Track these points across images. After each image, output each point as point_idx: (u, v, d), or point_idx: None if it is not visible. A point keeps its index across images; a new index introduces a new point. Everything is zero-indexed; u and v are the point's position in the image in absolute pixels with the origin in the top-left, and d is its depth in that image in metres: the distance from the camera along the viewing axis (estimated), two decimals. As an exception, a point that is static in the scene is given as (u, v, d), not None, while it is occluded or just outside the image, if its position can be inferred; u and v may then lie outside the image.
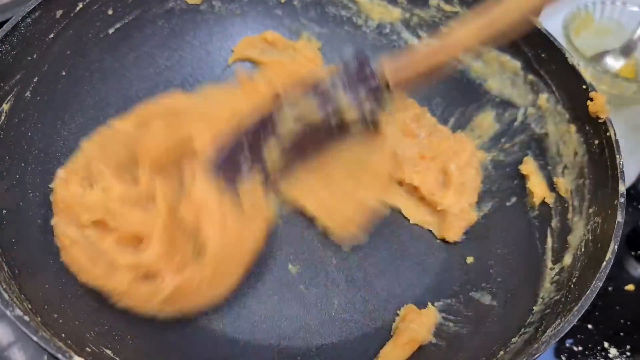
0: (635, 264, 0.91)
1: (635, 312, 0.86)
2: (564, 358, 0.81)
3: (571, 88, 0.80)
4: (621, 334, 0.84)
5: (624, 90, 1.00)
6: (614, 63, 1.07)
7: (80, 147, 0.76)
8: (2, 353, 0.75)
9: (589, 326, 0.84)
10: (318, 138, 0.74)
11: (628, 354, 0.82)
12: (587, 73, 0.98)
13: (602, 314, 0.85)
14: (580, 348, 0.82)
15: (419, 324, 0.70)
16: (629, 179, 0.96)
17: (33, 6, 0.75)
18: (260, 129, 0.73)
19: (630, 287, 0.88)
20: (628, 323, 0.85)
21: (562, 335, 0.59)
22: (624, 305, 0.86)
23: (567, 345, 0.82)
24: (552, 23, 0.98)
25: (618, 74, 1.01)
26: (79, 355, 0.54)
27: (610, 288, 0.87)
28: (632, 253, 0.92)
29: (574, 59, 0.80)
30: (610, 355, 0.81)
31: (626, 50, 1.06)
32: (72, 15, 0.80)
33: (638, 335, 0.83)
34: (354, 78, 0.71)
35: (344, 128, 0.73)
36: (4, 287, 0.58)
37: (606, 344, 0.82)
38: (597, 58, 1.08)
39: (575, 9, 1.07)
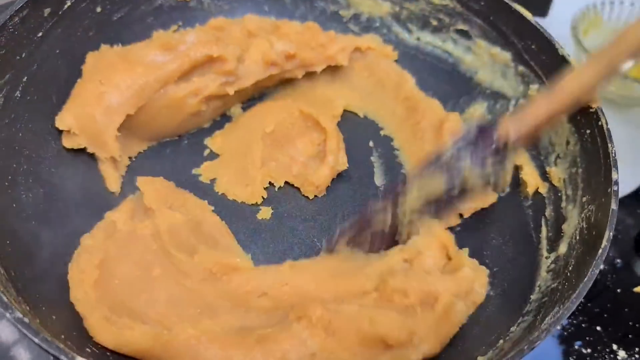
0: (644, 266, 0.91)
1: (644, 314, 0.86)
2: (572, 360, 0.82)
3: (562, 78, 0.80)
4: (630, 336, 0.84)
5: (632, 91, 1.00)
6: (623, 64, 1.07)
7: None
8: (8, 352, 0.74)
9: (598, 328, 0.84)
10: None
11: (637, 356, 0.82)
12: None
13: (610, 316, 0.85)
14: (589, 350, 0.82)
15: (479, 285, 0.71)
16: (639, 179, 0.97)
17: (21, 5, 0.74)
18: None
19: (638, 288, 0.88)
20: (637, 325, 0.85)
21: (561, 322, 0.60)
22: (632, 307, 0.86)
23: (576, 347, 0.82)
24: (560, 23, 0.99)
25: (627, 75, 1.02)
26: (81, 356, 0.53)
27: (618, 290, 0.88)
28: (641, 255, 0.92)
29: (564, 50, 0.80)
30: (619, 358, 0.82)
31: (635, 51, 1.07)
32: (60, 13, 0.79)
33: (647, 337, 0.83)
34: (478, 145, 0.70)
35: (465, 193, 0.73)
36: (2, 289, 0.57)
37: (615, 346, 0.83)
38: (606, 59, 1.08)
39: (585, 9, 1.07)
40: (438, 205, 0.74)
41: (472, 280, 0.70)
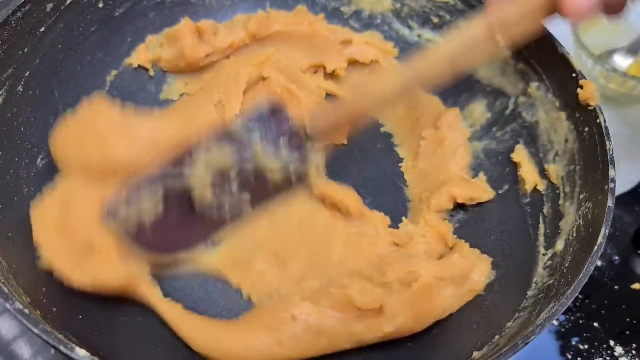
0: (641, 263, 0.92)
1: (641, 311, 0.86)
2: (569, 356, 0.82)
3: (561, 76, 0.80)
4: (627, 332, 0.84)
5: (632, 89, 1.00)
6: (622, 61, 1.07)
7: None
8: (8, 347, 0.75)
9: (595, 324, 0.84)
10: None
11: (634, 352, 0.82)
12: (595, 71, 0.99)
13: (608, 313, 0.85)
14: (586, 346, 0.83)
15: (478, 273, 0.72)
16: (636, 177, 0.97)
17: (23, 0, 0.74)
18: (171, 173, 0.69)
19: (636, 285, 0.88)
20: (634, 322, 0.85)
21: (555, 317, 0.61)
22: (630, 304, 0.87)
23: (573, 343, 0.83)
24: (561, 20, 0.99)
25: (626, 72, 1.02)
26: (81, 347, 0.54)
27: (616, 287, 0.88)
28: (638, 252, 0.92)
29: (563, 48, 0.80)
30: (616, 354, 0.82)
31: (634, 49, 1.07)
32: (62, 8, 0.80)
33: (644, 334, 0.84)
34: (270, 121, 0.69)
35: (262, 179, 0.69)
36: (3, 280, 0.58)
37: (612, 343, 0.83)
38: (605, 56, 1.08)
39: None
40: (244, 188, 0.69)
41: (466, 268, 0.71)
